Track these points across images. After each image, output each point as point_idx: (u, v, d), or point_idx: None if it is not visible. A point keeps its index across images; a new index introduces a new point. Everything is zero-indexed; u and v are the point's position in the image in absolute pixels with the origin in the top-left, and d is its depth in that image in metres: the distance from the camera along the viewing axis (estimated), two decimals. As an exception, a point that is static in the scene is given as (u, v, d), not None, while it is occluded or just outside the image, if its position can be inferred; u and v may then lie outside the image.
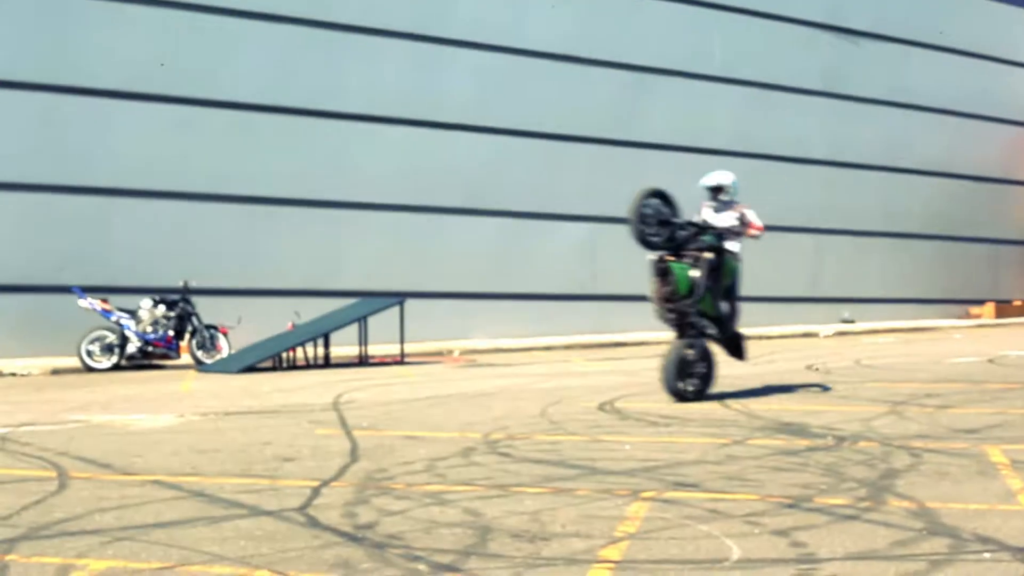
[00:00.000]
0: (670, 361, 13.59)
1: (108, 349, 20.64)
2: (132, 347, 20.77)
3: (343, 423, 12.35)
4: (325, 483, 8.63)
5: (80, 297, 20.79)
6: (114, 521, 7.33)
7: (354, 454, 10.07)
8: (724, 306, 14.07)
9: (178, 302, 21.27)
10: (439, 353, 24.23)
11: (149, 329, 20.91)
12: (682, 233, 13.83)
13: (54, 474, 9.07)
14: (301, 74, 25.23)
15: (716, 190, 14.58)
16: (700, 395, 13.69)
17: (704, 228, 14.00)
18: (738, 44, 31.85)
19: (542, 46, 28.26)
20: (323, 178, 25.47)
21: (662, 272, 13.69)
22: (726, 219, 14.35)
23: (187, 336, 21.28)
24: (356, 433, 11.45)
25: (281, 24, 24.96)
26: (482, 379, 17.99)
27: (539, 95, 28.20)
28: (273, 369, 20.14)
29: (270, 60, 24.83)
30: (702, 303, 13.74)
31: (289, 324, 22.81)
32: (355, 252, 25.86)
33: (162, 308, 21.08)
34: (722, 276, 13.90)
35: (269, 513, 7.54)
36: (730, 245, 14.18)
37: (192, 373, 19.92)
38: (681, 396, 13.55)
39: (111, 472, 9.21)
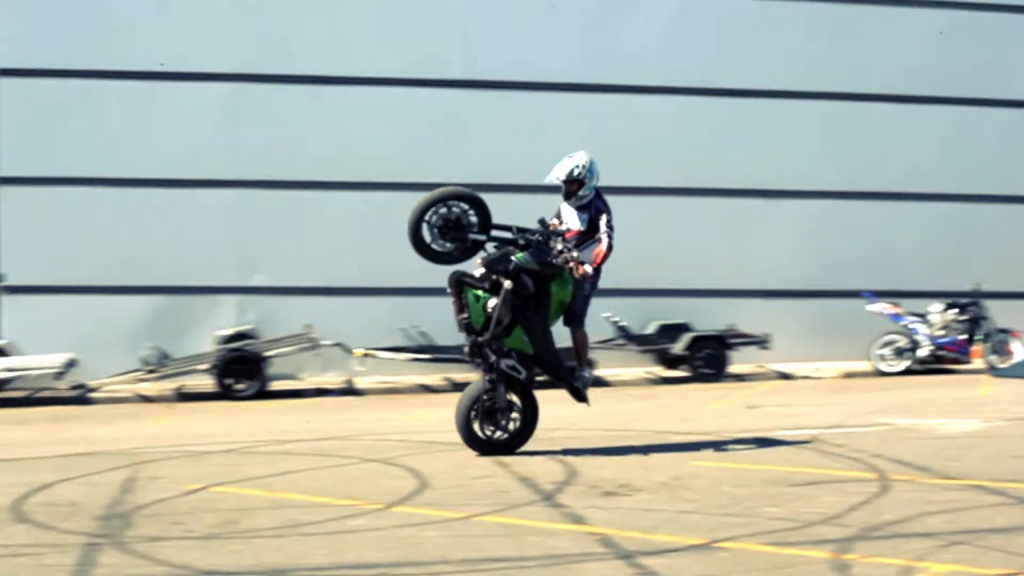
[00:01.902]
0: (461, 404, 10.87)
1: (899, 353, 20.66)
2: (923, 351, 20.64)
3: None
4: None
5: (870, 302, 21.01)
6: (944, 525, 7.32)
7: None
8: (546, 344, 10.80)
9: (969, 305, 20.84)
10: None
11: (940, 333, 20.69)
12: (491, 248, 10.75)
13: (874, 476, 9.19)
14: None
15: (570, 183, 10.93)
16: (510, 448, 10.81)
17: (515, 242, 10.72)
18: None
19: None
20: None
21: (456, 295, 10.81)
22: (576, 225, 10.95)
23: (978, 340, 20.79)
24: None
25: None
26: None
27: None
28: (1070, 375, 19.20)
29: None
30: (509, 340, 10.72)
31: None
32: None
33: (952, 312, 20.77)
34: (546, 306, 10.72)
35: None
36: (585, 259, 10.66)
37: (985, 378, 19.44)
38: (481, 446, 10.81)
39: (929, 475, 9.20)
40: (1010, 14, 23.66)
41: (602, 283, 21.31)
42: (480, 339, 10.62)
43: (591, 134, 21.15)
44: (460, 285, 10.71)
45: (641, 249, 21.59)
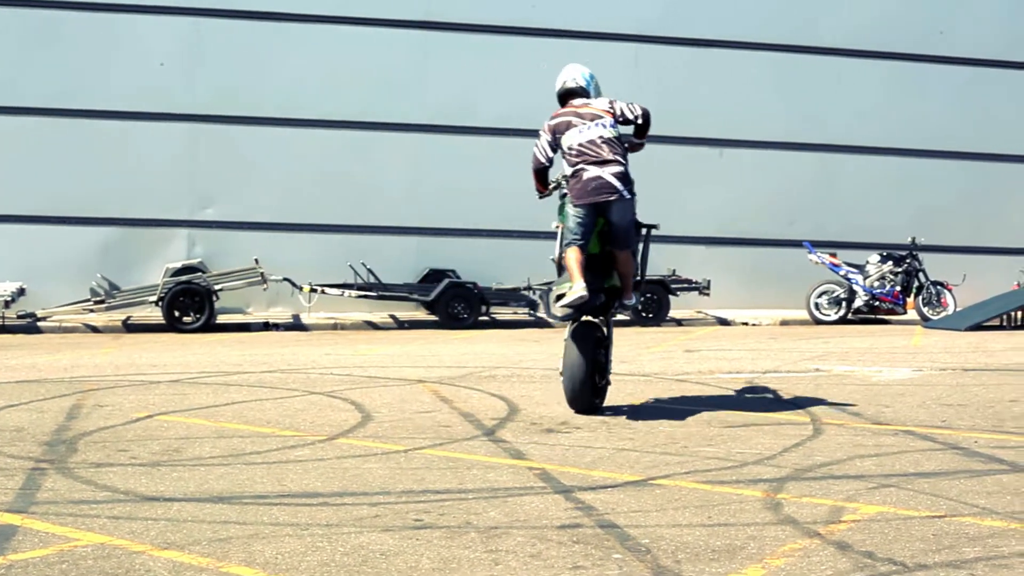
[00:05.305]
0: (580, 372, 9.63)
1: (836, 303, 21.03)
2: (859, 301, 21.02)
3: (1091, 385, 11.84)
4: (1086, 444, 8.34)
5: (810, 252, 21.31)
6: (875, 468, 7.50)
7: (1109, 417, 9.65)
8: None
9: (905, 258, 21.23)
10: None
11: (876, 284, 21.04)
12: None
13: (808, 420, 9.41)
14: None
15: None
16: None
17: None
18: None
19: None
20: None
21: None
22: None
23: (913, 292, 21.20)
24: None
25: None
26: None
27: None
28: (1000, 328, 19.62)
29: (1004, 14, 23.99)
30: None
31: (1015, 284, 22.13)
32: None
33: (889, 264, 21.14)
34: None
35: (1036, 470, 7.42)
36: None
37: (918, 328, 19.84)
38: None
39: (862, 420, 9.42)
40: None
41: (547, 226, 21.69)
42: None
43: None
44: None
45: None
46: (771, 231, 22.71)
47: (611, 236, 9.71)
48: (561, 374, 9.67)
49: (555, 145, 9.80)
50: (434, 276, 20.69)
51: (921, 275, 21.22)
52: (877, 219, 22.98)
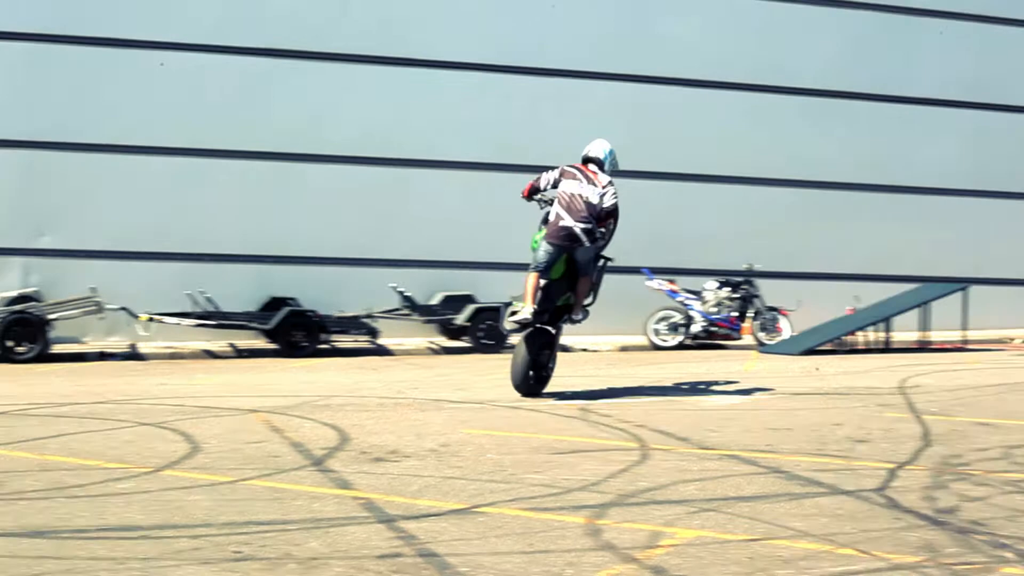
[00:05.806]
0: (519, 369, 12.94)
1: (673, 328, 21.37)
2: (696, 327, 21.38)
3: (911, 407, 12.22)
4: (900, 466, 8.63)
5: (649, 278, 21.63)
6: (697, 492, 7.66)
7: (926, 438, 9.99)
8: None
9: (742, 284, 21.66)
10: (1000, 341, 23.37)
11: (713, 310, 21.43)
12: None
13: (636, 445, 9.56)
14: (870, 60, 25.03)
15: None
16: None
17: None
18: None
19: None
20: (883, 164, 25.08)
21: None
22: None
23: (749, 318, 21.65)
24: (925, 418, 11.32)
25: (852, 10, 24.91)
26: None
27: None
28: (833, 352, 20.11)
29: (840, 47, 24.75)
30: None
31: (848, 308, 22.72)
32: (914, 238, 25.27)
33: (726, 290, 21.53)
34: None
35: (848, 493, 7.63)
36: None
37: (754, 353, 20.23)
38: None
39: (689, 445, 9.60)
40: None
41: (390, 254, 21.71)
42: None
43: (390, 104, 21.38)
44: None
45: (428, 221, 21.90)
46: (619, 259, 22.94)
47: (575, 266, 12.67)
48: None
49: (556, 182, 12.80)
50: (275, 304, 20.46)
51: (757, 301, 21.66)
52: (715, 246, 23.38)
